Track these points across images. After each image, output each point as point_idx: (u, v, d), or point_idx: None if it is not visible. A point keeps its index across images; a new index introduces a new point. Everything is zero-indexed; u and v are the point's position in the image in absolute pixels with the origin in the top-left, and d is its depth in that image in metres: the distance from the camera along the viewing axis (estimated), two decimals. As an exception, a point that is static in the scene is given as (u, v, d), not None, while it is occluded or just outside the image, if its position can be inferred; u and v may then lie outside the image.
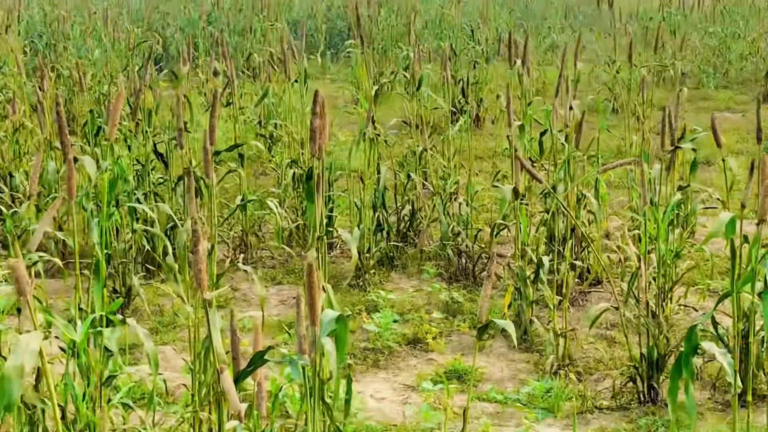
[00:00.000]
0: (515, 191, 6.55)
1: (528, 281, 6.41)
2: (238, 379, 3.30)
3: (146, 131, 7.25)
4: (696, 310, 6.25)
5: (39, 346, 3.02)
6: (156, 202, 7.04)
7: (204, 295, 3.19)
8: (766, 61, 17.00)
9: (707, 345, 3.94)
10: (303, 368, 3.10)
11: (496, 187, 6.91)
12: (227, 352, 3.55)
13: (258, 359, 3.17)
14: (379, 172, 7.72)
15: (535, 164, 6.98)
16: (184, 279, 6.43)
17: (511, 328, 4.14)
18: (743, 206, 4.72)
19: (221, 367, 3.28)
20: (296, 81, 9.30)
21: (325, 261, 5.34)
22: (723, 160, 5.23)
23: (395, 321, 6.63)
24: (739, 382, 3.96)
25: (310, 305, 2.90)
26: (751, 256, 4.01)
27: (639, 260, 5.74)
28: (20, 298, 3.09)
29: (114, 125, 5.38)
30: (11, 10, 16.92)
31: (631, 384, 5.62)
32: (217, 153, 6.19)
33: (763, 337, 5.34)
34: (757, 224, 3.84)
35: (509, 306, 6.34)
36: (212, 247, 4.72)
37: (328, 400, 4.57)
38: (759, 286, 4.61)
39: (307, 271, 2.78)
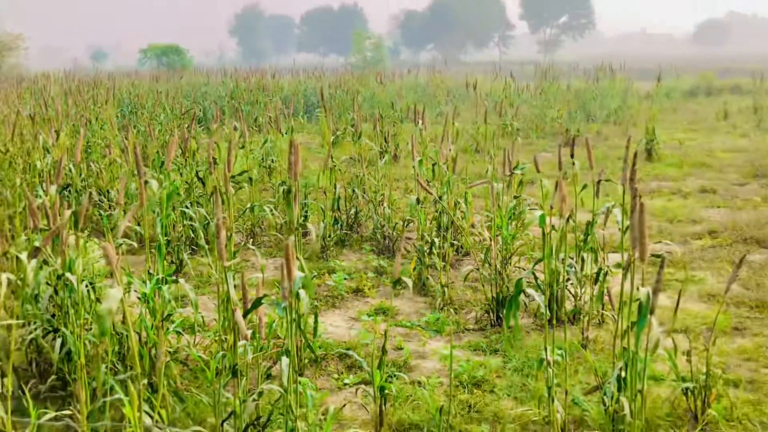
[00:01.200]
0: (417, 200, 6.90)
1: (425, 253, 6.52)
2: (245, 314, 3.40)
3: (191, 164, 7.36)
4: (524, 270, 6.35)
5: (121, 296, 3.24)
6: (197, 207, 7.24)
7: (224, 263, 3.40)
8: (565, 123, 17.47)
9: (530, 290, 4.30)
10: (285, 308, 3.12)
11: (407, 197, 7.14)
12: (240, 299, 3.81)
13: (257, 302, 3.34)
14: (335, 189, 7.83)
15: (429, 183, 7.06)
16: (213, 255, 6.70)
17: (410, 283, 4.44)
18: (551, 208, 5.10)
19: (234, 307, 3.34)
20: (285, 133, 9.61)
21: (301, 243, 5.55)
22: (540, 181, 5.53)
23: (345, 279, 6.69)
24: (548, 312, 4.24)
25: (288, 269, 2.95)
26: (552, 237, 4.31)
27: (490, 240, 5.78)
28: (109, 266, 3.30)
29: (170, 160, 5.61)
30: (108, 89, 17.06)
31: (486, 315, 5.74)
32: (233, 177, 6.43)
33: (563, 285, 5.27)
34: (560, 219, 4.13)
35: (414, 269, 6.45)
36: (230, 235, 4.88)
37: (303, 327, 4.88)
38: (561, 256, 5.01)
39: (285, 248, 2.94)
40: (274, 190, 8.68)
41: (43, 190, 6.55)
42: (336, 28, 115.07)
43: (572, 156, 5.14)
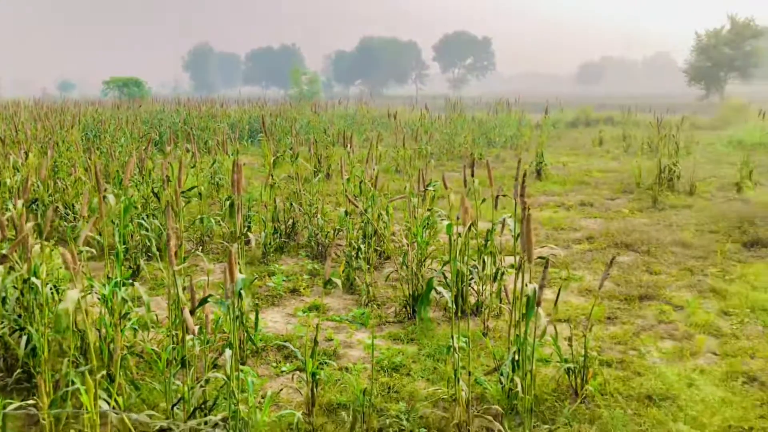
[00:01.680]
0: (345, 212, 6.90)
1: (353, 258, 6.49)
2: (192, 312, 3.31)
3: (148, 181, 7.16)
4: (435, 270, 6.36)
5: (78, 297, 3.11)
6: (153, 219, 7.04)
7: (173, 268, 3.31)
8: (470, 147, 17.76)
9: (439, 288, 4.34)
10: (228, 306, 3.07)
11: (337, 210, 7.11)
12: (189, 299, 3.71)
13: (203, 301, 3.27)
14: (275, 202, 7.75)
15: (356, 198, 7.04)
16: (165, 260, 6.52)
17: (340, 283, 4.44)
18: (457, 218, 5.18)
19: (183, 306, 3.24)
20: (231, 154, 9.45)
21: (244, 250, 5.50)
22: (448, 196, 5.59)
23: (283, 280, 6.56)
24: (454, 306, 4.28)
25: (230, 272, 2.89)
26: (457, 243, 4.37)
27: (408, 246, 5.79)
28: (68, 270, 3.17)
29: (127, 178, 5.47)
30: (74, 116, 16.47)
31: (404, 309, 5.70)
32: (183, 192, 6.29)
33: (467, 283, 5.36)
34: (464, 227, 4.18)
35: (343, 271, 6.43)
36: (180, 243, 4.77)
37: (246, 323, 4.81)
38: (465, 259, 5.07)
39: (228, 254, 2.90)
40: (221, 204, 8.52)
41: (13, 205, 6.28)
42: (277, 65, 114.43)
43: (473, 175, 5.23)
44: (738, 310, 5.72)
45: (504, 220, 4.82)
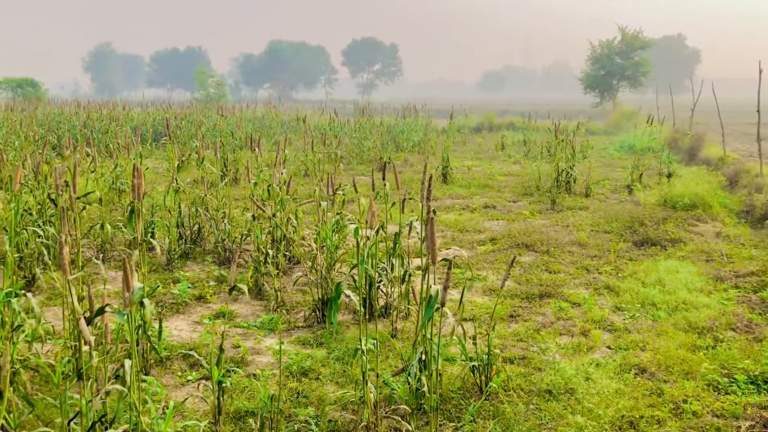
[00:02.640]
0: (253, 216, 6.78)
1: (261, 263, 6.35)
2: (89, 322, 3.07)
3: (44, 186, 6.79)
4: (345, 274, 6.50)
5: None
6: (49, 226, 6.68)
7: (67, 276, 3.13)
8: (379, 151, 17.90)
9: (347, 291, 4.34)
10: (126, 315, 2.91)
11: (245, 215, 6.97)
12: (86, 309, 3.50)
13: (99, 311, 3.12)
14: (179, 208, 7.50)
15: (264, 202, 7.04)
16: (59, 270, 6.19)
17: (246, 289, 4.35)
18: (366, 222, 5.20)
19: (78, 316, 3.15)
20: (134, 158, 9.09)
21: (145, 257, 5.29)
22: (358, 199, 5.61)
23: (189, 287, 6.37)
24: (362, 309, 4.29)
25: (126, 281, 2.75)
26: (367, 247, 4.38)
27: (317, 250, 5.74)
28: None
29: (17, 183, 5.18)
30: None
31: (314, 314, 5.66)
32: (79, 197, 6.00)
33: (377, 285, 5.41)
34: (373, 231, 4.20)
35: (251, 276, 6.35)
36: (78, 251, 4.58)
37: (149, 332, 4.63)
38: (372, 263, 5.10)
39: (123, 263, 2.78)
40: (124, 210, 8.19)
41: None
42: (182, 67, 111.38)
43: (384, 179, 5.27)
44: (630, 305, 6.03)
45: (411, 222, 4.88)
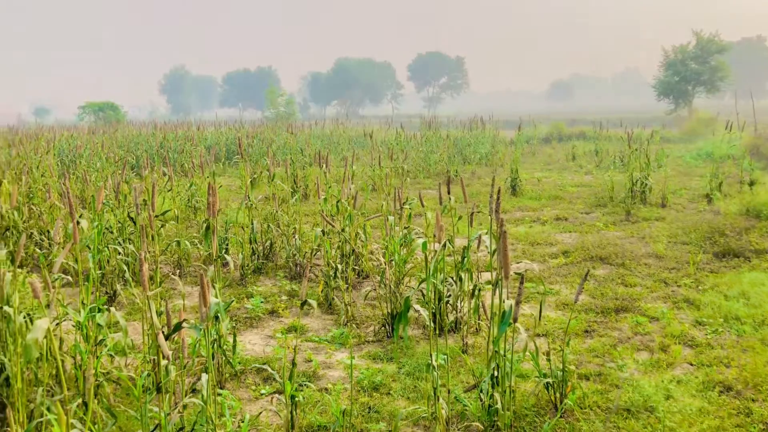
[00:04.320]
0: (323, 231, 6.86)
1: (331, 277, 6.37)
2: (167, 337, 3.20)
3: (124, 205, 7.07)
4: (414, 289, 6.48)
5: (47, 326, 2.99)
6: (129, 243, 6.94)
7: (147, 293, 3.22)
8: (446, 165, 17.88)
9: (416, 306, 4.32)
10: (202, 330, 2.99)
11: (315, 230, 7.05)
12: (164, 324, 3.59)
13: (177, 326, 3.22)
14: (252, 224, 7.68)
15: (333, 218, 7.06)
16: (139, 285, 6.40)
17: (315, 304, 4.39)
18: (434, 236, 5.16)
19: (157, 331, 3.27)
20: (208, 177, 9.37)
21: (221, 272, 5.43)
22: (425, 213, 5.59)
23: (261, 302, 6.49)
24: (432, 324, 4.25)
25: (203, 296, 2.93)
26: (433, 261, 4.35)
27: (385, 264, 5.74)
28: (36, 299, 3.06)
29: (99, 203, 5.40)
30: (49, 141, 16.33)
31: (383, 328, 5.68)
32: (156, 216, 6.19)
33: (446, 300, 5.44)
34: (440, 245, 4.17)
35: (321, 291, 6.42)
36: (156, 267, 4.73)
37: (223, 346, 4.73)
38: (441, 277, 5.06)
39: (200, 278, 2.84)
40: (199, 227, 8.43)
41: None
42: (253, 86, 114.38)
43: (449, 192, 5.23)
44: (712, 319, 5.77)
45: (480, 236, 4.83)
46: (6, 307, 3.84)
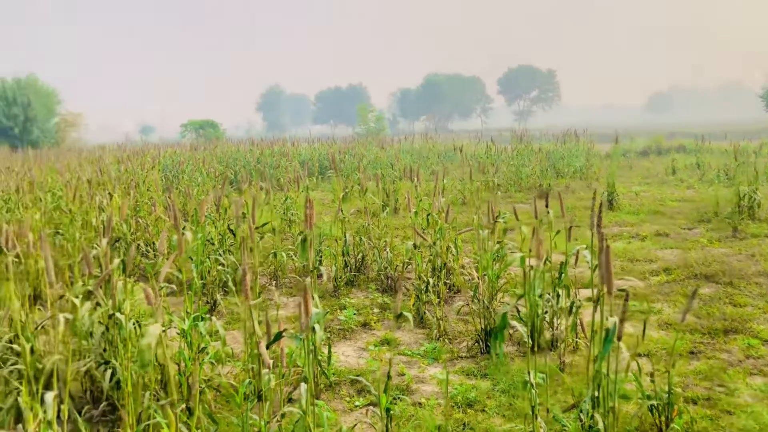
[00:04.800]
0: (414, 245, 6.85)
1: (422, 291, 6.36)
2: (268, 346, 3.29)
3: (224, 218, 7.33)
4: (508, 304, 6.35)
5: (159, 332, 3.12)
6: (229, 254, 7.19)
7: (249, 302, 3.29)
8: (538, 178, 17.52)
9: (513, 322, 4.23)
10: (302, 340, 3.03)
11: (405, 243, 7.05)
12: (264, 333, 3.69)
13: (278, 335, 3.28)
14: (345, 237, 7.78)
15: (424, 231, 7.10)
16: (240, 295, 6.59)
17: (411, 317, 4.40)
18: (530, 250, 5.05)
19: (259, 340, 3.34)
20: (303, 191, 9.58)
21: (315, 283, 5.51)
22: (519, 227, 5.47)
23: (354, 314, 6.55)
24: (530, 341, 4.15)
25: (305, 306, 2.96)
26: (531, 276, 4.25)
27: (478, 279, 5.75)
28: (150, 306, 3.20)
29: (202, 216, 5.63)
30: (155, 157, 17.25)
31: (476, 344, 5.58)
32: (257, 228, 6.39)
33: (542, 317, 5.39)
34: (537, 260, 4.07)
35: (413, 304, 6.39)
36: (255, 278, 4.86)
37: (319, 357, 4.79)
38: (538, 291, 4.93)
39: (303, 289, 2.88)
40: (294, 239, 8.62)
41: (97, 244, 6.51)
42: (344, 104, 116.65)
43: (547, 206, 5.11)
44: (834, 344, 5.34)
45: (578, 251, 4.70)
46: (118, 314, 4.05)
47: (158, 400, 4.00)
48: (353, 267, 7.96)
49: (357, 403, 4.62)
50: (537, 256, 3.89)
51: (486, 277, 5.80)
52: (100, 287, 3.81)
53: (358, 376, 4.93)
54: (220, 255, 6.93)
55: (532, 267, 4.15)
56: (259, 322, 4.81)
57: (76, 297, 4.10)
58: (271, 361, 3.08)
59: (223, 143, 31.22)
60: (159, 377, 4.41)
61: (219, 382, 4.35)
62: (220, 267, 6.91)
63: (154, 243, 8.39)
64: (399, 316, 6.15)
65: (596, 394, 3.60)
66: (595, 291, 3.67)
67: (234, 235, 7.22)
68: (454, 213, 7.47)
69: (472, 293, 5.96)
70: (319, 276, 7.79)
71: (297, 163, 17.85)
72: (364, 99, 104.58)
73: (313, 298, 4.63)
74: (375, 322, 6.41)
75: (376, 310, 6.77)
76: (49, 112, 38.44)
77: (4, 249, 4.36)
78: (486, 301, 5.66)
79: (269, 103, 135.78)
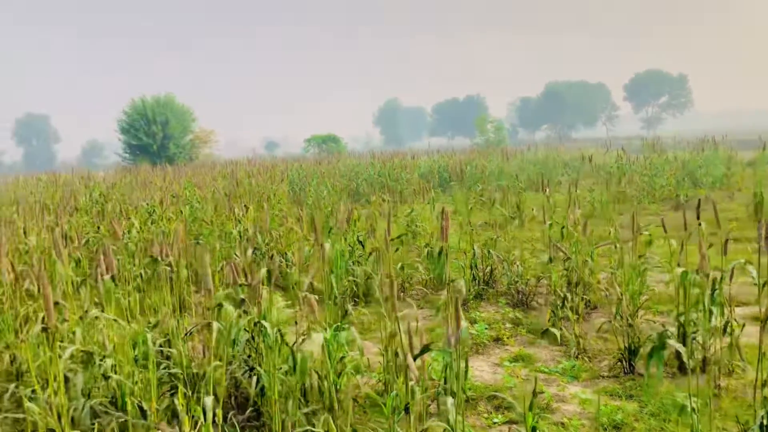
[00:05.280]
0: (550, 259, 6.68)
1: (558, 307, 6.23)
2: (415, 358, 3.35)
3: (354, 230, 7.47)
4: (654, 322, 6.02)
5: (321, 341, 3.18)
6: (357, 266, 7.31)
7: (395, 314, 3.29)
8: (674, 188, 16.61)
9: (672, 341, 4.00)
10: (452, 354, 3.07)
11: (535, 257, 6.89)
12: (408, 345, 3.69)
13: (425, 348, 3.28)
14: (473, 249, 7.75)
15: (555, 244, 6.90)
16: (371, 306, 6.70)
17: (557, 333, 4.26)
18: (678, 264, 4.76)
19: (407, 353, 3.33)
20: (428, 203, 9.61)
21: (453, 296, 5.49)
22: (668, 240, 5.20)
23: (485, 328, 6.48)
24: (690, 361, 3.91)
25: (456, 318, 2.89)
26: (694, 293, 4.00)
27: (621, 295, 5.47)
28: (310, 316, 3.27)
29: (343, 228, 5.78)
30: (283, 171, 18.00)
31: (619, 363, 5.36)
32: (392, 239, 6.44)
33: (693, 336, 4.95)
34: (698, 274, 3.83)
35: (549, 320, 6.26)
36: (392, 288, 4.89)
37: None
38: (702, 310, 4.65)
39: (455, 301, 2.82)
40: (420, 251, 8.64)
41: (236, 254, 6.83)
42: (461, 115, 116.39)
43: (698, 217, 4.81)
44: None
45: (732, 267, 4.39)
46: (263, 322, 4.20)
47: (299, 408, 4.11)
48: (481, 280, 7.86)
49: (495, 419, 4.53)
50: (703, 271, 3.68)
51: (627, 292, 5.55)
52: (253, 298, 3.97)
53: (495, 392, 4.84)
54: (350, 266, 7.05)
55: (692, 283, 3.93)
56: (393, 335, 4.84)
57: (222, 305, 4.28)
58: (418, 374, 3.06)
59: (345, 157, 32.00)
60: (300, 385, 4.52)
61: (359, 392, 4.41)
62: (350, 278, 7.02)
63: (286, 253, 8.68)
64: (546, 332, 6.00)
65: (765, 422, 3.33)
66: (763, 309, 3.41)
67: (363, 246, 7.34)
68: (591, 225, 7.23)
69: (614, 309, 5.72)
70: (446, 288, 7.75)
71: (417, 176, 17.98)
72: (481, 110, 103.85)
73: (457, 311, 4.61)
74: (507, 338, 6.28)
75: (508, 325, 6.64)
76: (184, 130, 41.04)
77: (159, 258, 4.66)
78: (630, 318, 5.40)
79: (386, 117, 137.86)
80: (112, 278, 4.18)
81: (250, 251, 5.14)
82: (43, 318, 3.37)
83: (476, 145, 44.85)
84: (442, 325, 6.45)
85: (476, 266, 7.84)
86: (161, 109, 39.74)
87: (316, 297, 4.93)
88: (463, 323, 2.93)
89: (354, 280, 7.01)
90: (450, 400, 2.99)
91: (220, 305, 3.88)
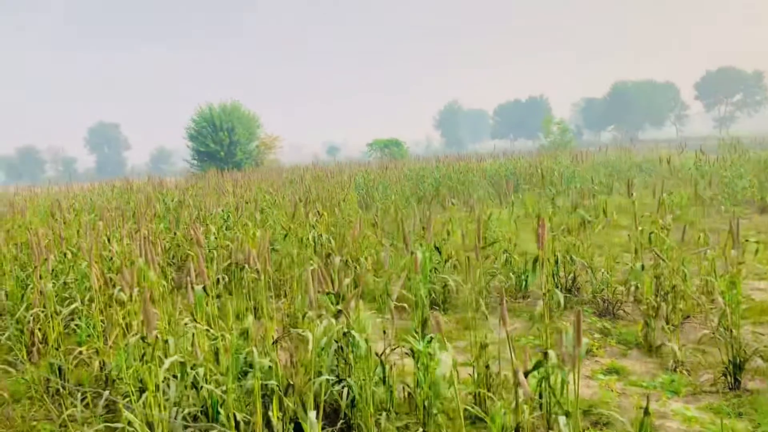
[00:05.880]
0: (642, 266, 6.38)
1: (651, 317, 5.87)
2: (526, 374, 3.12)
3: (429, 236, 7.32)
4: (762, 334, 5.72)
5: (451, 362, 2.98)
6: (435, 273, 7.17)
7: (507, 328, 3.08)
8: (758, 191, 15.83)
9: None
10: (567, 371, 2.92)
11: (619, 263, 6.61)
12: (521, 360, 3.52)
13: (538, 364, 3.13)
14: (555, 256, 7.49)
15: (636, 251, 6.59)
16: (449, 314, 6.55)
17: (676, 348, 3.97)
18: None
19: (516, 368, 3.15)
20: (506, 207, 9.37)
21: (548, 306, 5.27)
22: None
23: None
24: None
25: (578, 333, 2.69)
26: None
27: (724, 305, 5.11)
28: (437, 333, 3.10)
29: (430, 235, 5.65)
30: (351, 176, 18.06)
31: (722, 378, 5.04)
32: (483, 247, 6.27)
33: None
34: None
35: (641, 330, 5.97)
36: (484, 296, 4.74)
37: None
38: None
39: (576, 315, 2.60)
40: (497, 257, 8.43)
41: (311, 260, 6.79)
42: (524, 117, 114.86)
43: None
44: None
45: None
46: (353, 332, 4.12)
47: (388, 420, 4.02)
48: (564, 288, 7.61)
49: (594, 436, 4.32)
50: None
51: (727, 302, 5.20)
52: (345, 308, 3.90)
53: (591, 406, 4.63)
54: (429, 272, 6.92)
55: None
56: (485, 345, 4.69)
57: (322, 315, 4.22)
58: (529, 391, 2.92)
59: (408, 161, 31.88)
60: (388, 397, 4.42)
61: (474, 412, 4.27)
62: (429, 284, 6.90)
63: (358, 259, 8.61)
64: (658, 347, 5.72)
65: None
66: None
67: (439, 252, 7.20)
68: (684, 232, 6.91)
69: (714, 319, 5.42)
70: (524, 297, 7.52)
71: (485, 180, 17.70)
72: (545, 111, 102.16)
73: (578, 326, 4.42)
74: (597, 348, 6.03)
75: (596, 335, 6.38)
76: (251, 136, 41.74)
77: (247, 266, 4.64)
78: (734, 330, 5.08)
79: (447, 120, 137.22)
80: (204, 288, 4.18)
81: (337, 259, 5.07)
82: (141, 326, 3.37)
83: (542, 147, 44.06)
84: (536, 336, 6.29)
85: (558, 273, 7.58)
86: (227, 116, 40.53)
87: (403, 305, 4.83)
88: (584, 339, 2.75)
89: (433, 287, 6.87)
90: (562, 419, 2.83)
91: (320, 315, 3.82)
